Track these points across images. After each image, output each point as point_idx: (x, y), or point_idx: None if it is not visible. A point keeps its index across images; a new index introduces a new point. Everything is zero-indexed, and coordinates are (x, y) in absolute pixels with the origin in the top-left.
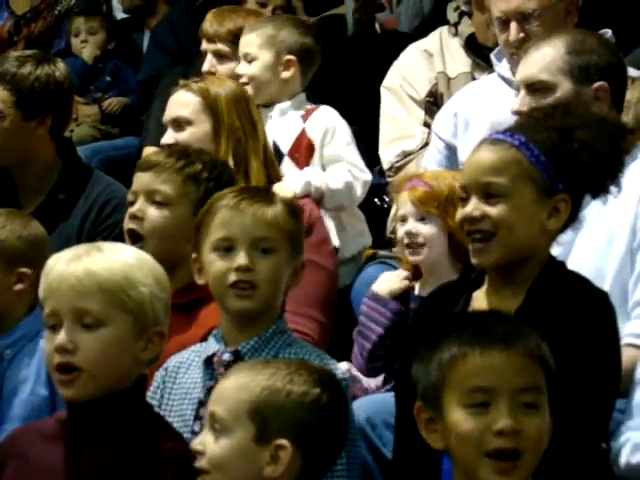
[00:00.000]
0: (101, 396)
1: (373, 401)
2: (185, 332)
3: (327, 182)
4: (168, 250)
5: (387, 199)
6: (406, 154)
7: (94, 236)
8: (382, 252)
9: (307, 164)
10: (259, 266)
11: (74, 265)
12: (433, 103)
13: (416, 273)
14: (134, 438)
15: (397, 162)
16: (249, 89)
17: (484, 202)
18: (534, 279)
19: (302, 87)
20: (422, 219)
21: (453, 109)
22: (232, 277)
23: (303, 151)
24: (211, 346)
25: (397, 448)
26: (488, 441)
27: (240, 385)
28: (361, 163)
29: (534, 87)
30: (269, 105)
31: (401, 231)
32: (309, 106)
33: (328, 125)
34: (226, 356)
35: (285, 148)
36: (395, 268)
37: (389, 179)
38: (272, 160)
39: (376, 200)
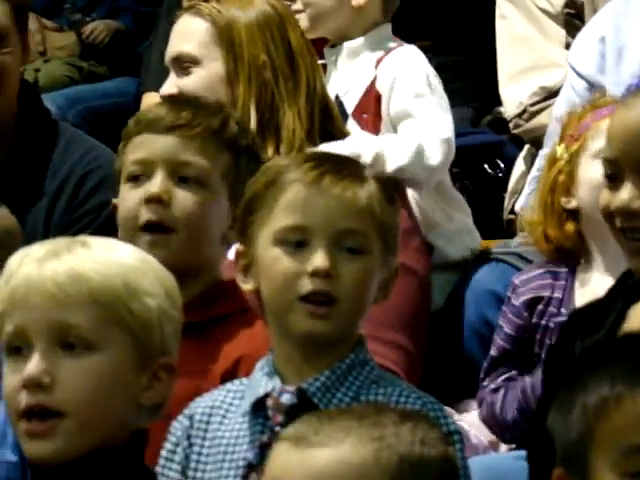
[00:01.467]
0: (84, 455)
1: (487, 465)
2: (197, 365)
3: (392, 159)
4: (198, 249)
5: (502, 164)
6: (548, 92)
7: (69, 225)
8: (496, 249)
9: (377, 129)
10: (343, 271)
11: (51, 265)
12: (575, 16)
13: None
14: None
15: (534, 104)
16: (304, 19)
17: None
18: None
19: (385, 16)
20: None
21: (599, 31)
22: (306, 285)
23: (372, 110)
24: (260, 383)
25: None
26: None
27: (353, 460)
28: (440, 117)
29: None
30: (336, 43)
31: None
32: (393, 44)
33: (399, 72)
34: (286, 397)
35: (350, 106)
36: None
37: (515, 131)
38: (324, 109)
39: (486, 166)
